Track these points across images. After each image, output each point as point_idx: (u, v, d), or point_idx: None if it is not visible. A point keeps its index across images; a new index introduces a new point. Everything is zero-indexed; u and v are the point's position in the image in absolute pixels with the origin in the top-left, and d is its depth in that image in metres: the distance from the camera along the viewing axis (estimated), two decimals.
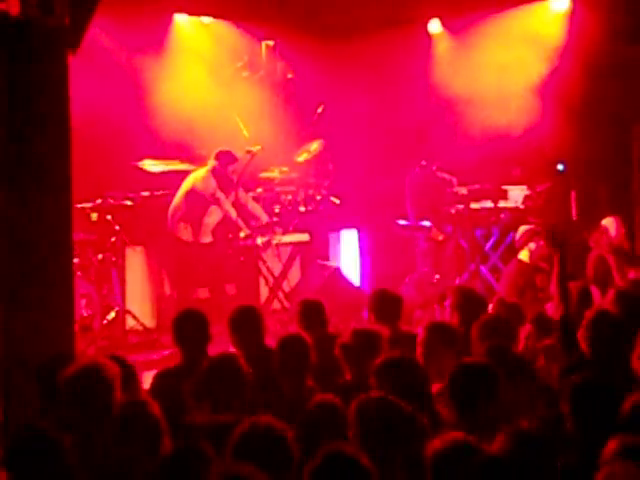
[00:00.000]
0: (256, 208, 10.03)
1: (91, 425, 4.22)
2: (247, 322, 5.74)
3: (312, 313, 5.97)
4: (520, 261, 8.56)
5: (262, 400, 4.73)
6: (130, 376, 4.79)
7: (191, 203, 9.53)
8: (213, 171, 9.58)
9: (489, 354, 4.69)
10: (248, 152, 9.75)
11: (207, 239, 9.66)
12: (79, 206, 8.50)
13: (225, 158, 9.60)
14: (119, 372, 4.42)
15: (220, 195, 9.53)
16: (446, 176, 10.40)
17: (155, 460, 3.62)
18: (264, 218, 10.02)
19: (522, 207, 10.22)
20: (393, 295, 6.21)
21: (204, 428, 4.07)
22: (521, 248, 8.63)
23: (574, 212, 9.93)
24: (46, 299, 5.83)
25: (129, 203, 9.49)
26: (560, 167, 10.37)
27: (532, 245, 8.49)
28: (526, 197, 10.23)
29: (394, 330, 5.86)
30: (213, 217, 9.68)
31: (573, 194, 9.94)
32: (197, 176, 9.63)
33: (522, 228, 8.84)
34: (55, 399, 4.57)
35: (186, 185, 9.59)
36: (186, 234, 9.54)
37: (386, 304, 6.06)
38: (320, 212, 10.66)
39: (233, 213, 9.64)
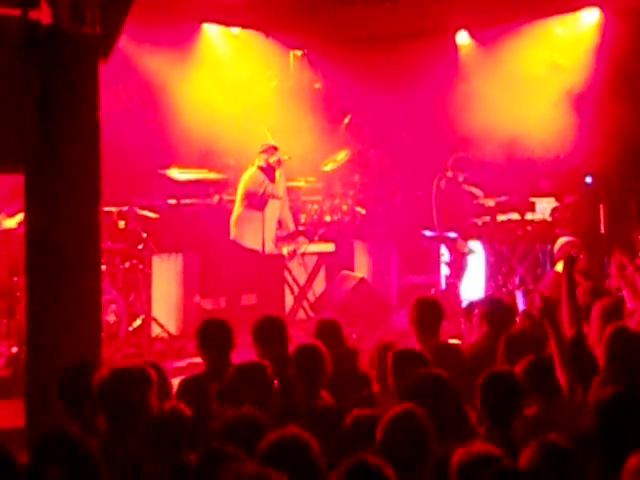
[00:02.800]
0: (287, 216, 10.05)
1: (122, 427, 4.27)
2: (270, 332, 5.74)
3: (329, 331, 5.89)
4: (557, 273, 8.45)
5: (283, 409, 4.74)
6: (163, 382, 4.85)
7: (250, 206, 9.56)
8: (260, 167, 9.63)
9: (527, 369, 4.65)
10: (276, 162, 9.76)
11: (271, 247, 9.69)
12: (107, 213, 8.56)
13: (267, 150, 9.64)
14: (156, 378, 4.48)
15: (270, 187, 9.54)
16: (473, 190, 10.35)
17: (182, 464, 3.64)
18: (291, 226, 10.03)
19: (550, 219, 10.15)
20: (436, 304, 6.14)
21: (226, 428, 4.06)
22: (559, 260, 8.51)
23: (603, 226, 9.85)
24: (73, 306, 5.86)
25: (156, 211, 9.55)
26: (588, 180, 10.31)
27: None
28: (554, 209, 10.16)
29: (435, 340, 5.84)
30: (271, 222, 9.72)
31: (602, 207, 9.86)
32: (246, 177, 9.66)
33: (561, 240, 8.72)
34: (80, 405, 4.62)
35: (240, 191, 9.63)
36: (251, 242, 9.57)
37: (428, 313, 5.99)
38: (346, 222, 10.66)
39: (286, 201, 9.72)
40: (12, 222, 8.20)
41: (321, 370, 5.04)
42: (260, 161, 9.62)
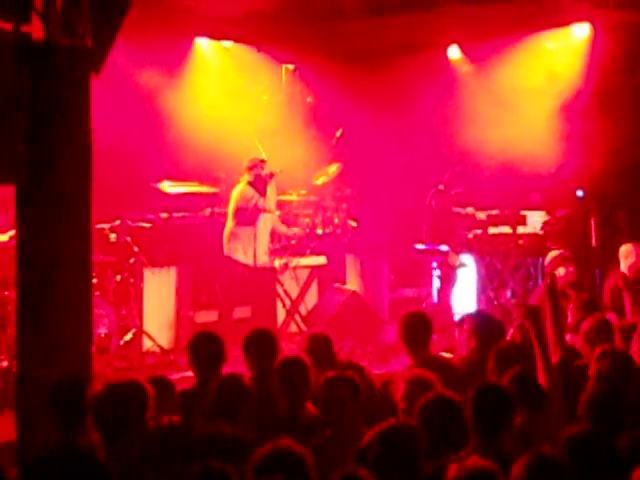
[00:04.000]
0: (280, 227, 10.05)
1: (118, 442, 4.26)
2: (261, 345, 5.73)
3: (319, 347, 5.84)
4: None
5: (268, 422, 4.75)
6: (170, 396, 4.85)
7: (240, 222, 9.57)
8: (249, 183, 9.65)
9: (512, 382, 4.66)
10: (267, 175, 9.78)
11: (264, 259, 9.69)
12: (98, 227, 8.55)
13: (255, 165, 9.66)
14: (153, 392, 4.48)
15: (261, 201, 9.57)
16: (461, 211, 10.35)
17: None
18: (287, 232, 10.04)
19: (541, 233, 10.17)
20: (424, 318, 6.15)
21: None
22: (549, 273, 8.48)
23: (594, 239, 9.87)
24: (64, 319, 5.84)
25: (148, 225, 9.55)
26: (579, 193, 10.34)
27: (561, 270, 8.33)
28: (545, 223, 10.19)
29: (424, 354, 5.84)
30: (263, 235, 9.71)
31: (593, 220, 9.89)
32: (236, 193, 9.68)
33: (551, 253, 8.71)
34: (73, 419, 4.61)
35: (231, 206, 9.65)
36: (243, 256, 9.57)
37: (417, 328, 6.00)
38: (337, 235, 10.67)
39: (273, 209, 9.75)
40: (4, 237, 8.18)
41: (305, 382, 5.03)
42: (249, 176, 9.65)
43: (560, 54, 10.80)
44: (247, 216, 9.54)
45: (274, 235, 10.05)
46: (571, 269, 8.23)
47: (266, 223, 9.77)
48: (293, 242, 10.25)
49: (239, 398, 4.74)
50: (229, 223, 9.66)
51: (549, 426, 4.47)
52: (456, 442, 4.08)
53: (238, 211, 9.58)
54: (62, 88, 5.83)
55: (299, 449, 3.57)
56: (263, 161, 9.72)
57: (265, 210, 9.63)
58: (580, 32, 10.69)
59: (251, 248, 9.50)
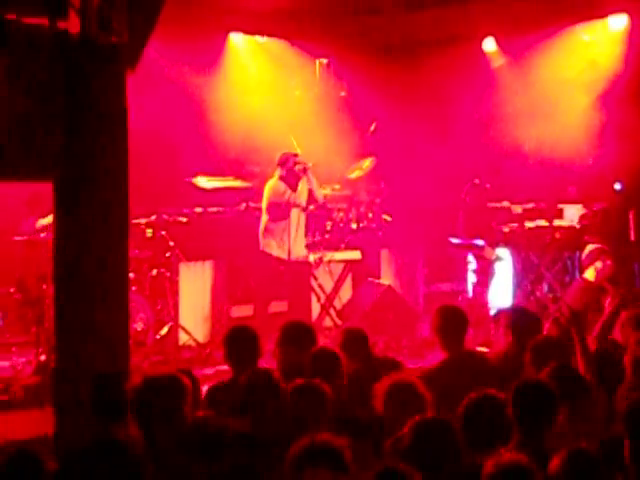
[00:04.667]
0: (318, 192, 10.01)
1: (157, 436, 4.29)
2: (299, 337, 5.74)
3: (355, 342, 5.82)
4: (585, 280, 8.37)
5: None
6: (195, 389, 4.87)
7: (274, 217, 9.61)
8: (281, 178, 9.67)
9: (552, 375, 4.62)
10: (300, 169, 9.78)
11: (300, 254, 9.71)
12: (134, 222, 8.61)
13: (286, 160, 9.67)
14: (191, 386, 4.50)
15: (292, 196, 9.59)
16: (497, 204, 10.29)
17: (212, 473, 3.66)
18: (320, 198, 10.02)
19: (578, 226, 10.07)
20: (458, 312, 6.11)
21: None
22: (587, 267, 8.42)
23: (632, 233, 9.76)
24: (101, 313, 5.90)
25: (183, 219, 9.61)
26: (618, 186, 10.22)
27: (599, 264, 8.25)
28: (582, 216, 10.09)
29: (459, 348, 5.82)
30: (297, 229, 9.73)
31: (631, 214, 9.77)
32: (268, 189, 9.71)
33: (589, 247, 8.64)
34: (112, 413, 4.65)
35: (264, 202, 9.70)
36: (278, 251, 9.61)
37: (451, 321, 5.97)
38: (372, 229, 10.65)
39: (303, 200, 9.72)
40: (46, 220, 8.27)
41: (335, 375, 5.02)
42: (281, 171, 9.67)
43: (597, 46, 10.69)
44: (280, 211, 9.58)
45: (309, 230, 10.07)
46: (609, 263, 8.16)
47: (300, 218, 9.78)
48: (327, 236, 10.26)
49: (268, 393, 4.73)
50: (263, 218, 9.70)
51: (589, 422, 4.43)
52: (497, 439, 4.05)
53: (271, 206, 9.61)
54: (98, 84, 5.88)
55: (338, 442, 3.57)
56: (296, 155, 9.73)
57: (297, 205, 9.64)
58: (617, 23, 10.57)
59: (285, 243, 9.55)
